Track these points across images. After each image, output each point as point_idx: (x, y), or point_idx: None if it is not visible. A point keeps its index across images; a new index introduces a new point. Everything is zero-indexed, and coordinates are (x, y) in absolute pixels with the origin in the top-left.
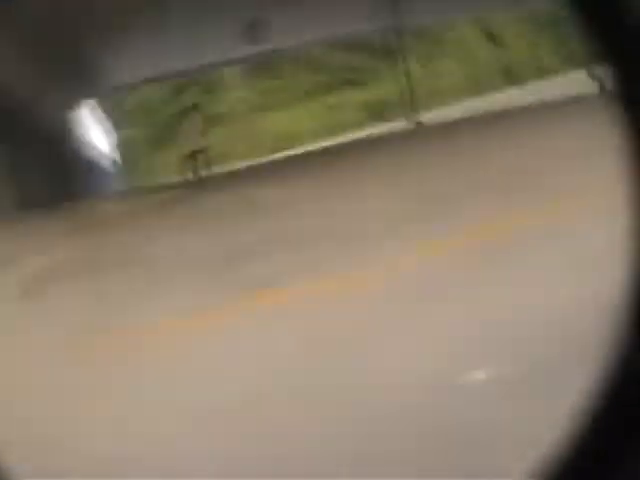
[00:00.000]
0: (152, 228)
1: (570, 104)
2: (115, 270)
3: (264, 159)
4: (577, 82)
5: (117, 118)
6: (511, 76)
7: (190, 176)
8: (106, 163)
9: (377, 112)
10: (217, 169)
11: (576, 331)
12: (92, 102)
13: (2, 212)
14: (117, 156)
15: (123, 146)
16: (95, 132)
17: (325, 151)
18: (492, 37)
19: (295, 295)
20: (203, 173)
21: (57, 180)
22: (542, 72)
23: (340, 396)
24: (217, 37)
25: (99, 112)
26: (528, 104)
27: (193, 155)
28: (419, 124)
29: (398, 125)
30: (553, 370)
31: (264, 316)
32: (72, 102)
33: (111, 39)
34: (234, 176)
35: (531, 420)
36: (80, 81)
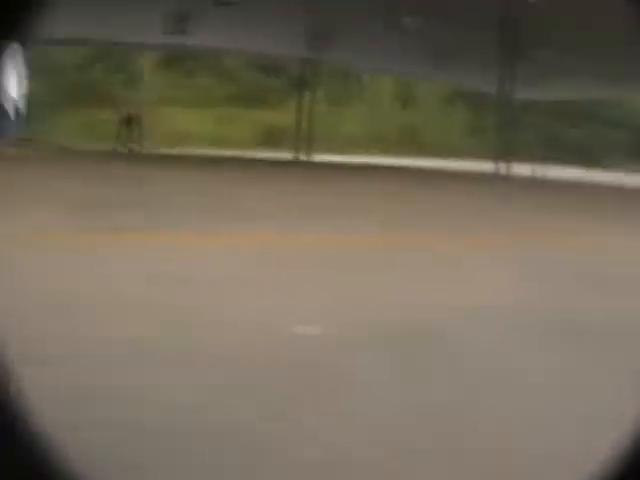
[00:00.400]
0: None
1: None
2: None
3: (151, 149)
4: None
5: (28, 69)
6: (415, 142)
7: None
8: (10, 109)
9: (270, 136)
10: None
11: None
12: (9, 46)
13: None
14: (21, 105)
15: (28, 97)
16: (5, 76)
17: (209, 159)
18: (405, 100)
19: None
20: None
21: None
22: (448, 146)
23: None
24: (140, 19)
25: (13, 58)
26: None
27: (129, 120)
28: (308, 161)
29: (286, 156)
30: None
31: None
32: None
33: None
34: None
35: None
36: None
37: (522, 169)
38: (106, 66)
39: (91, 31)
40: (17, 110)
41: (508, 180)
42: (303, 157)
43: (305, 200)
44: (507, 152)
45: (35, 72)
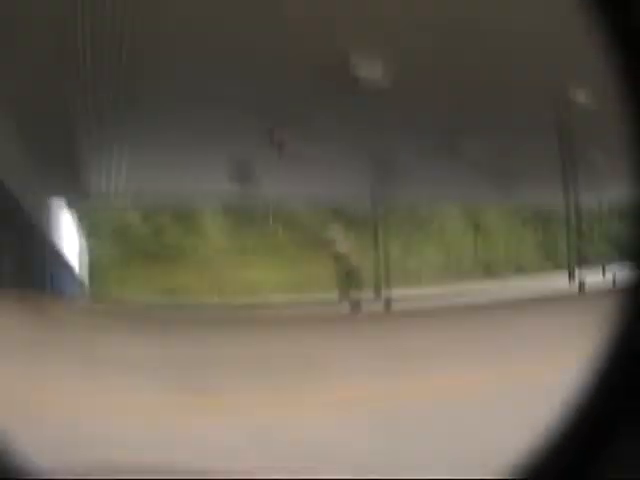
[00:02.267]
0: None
1: (547, 302)
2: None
3: (226, 300)
4: (556, 281)
5: (88, 226)
6: (490, 268)
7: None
8: (71, 265)
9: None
10: (181, 299)
11: None
12: (69, 204)
13: None
14: (82, 261)
15: (89, 253)
16: (66, 234)
17: (289, 305)
18: (477, 227)
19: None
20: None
21: (24, 267)
22: (522, 269)
23: None
24: (202, 168)
25: (74, 215)
26: (504, 299)
27: (349, 274)
28: (387, 300)
29: (366, 296)
30: None
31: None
32: (51, 200)
33: (98, 149)
34: (199, 307)
35: None
36: (63, 182)
37: (597, 277)
38: (172, 216)
39: (155, 181)
40: (78, 266)
41: (586, 293)
42: (380, 294)
43: (396, 343)
44: (580, 263)
45: (99, 227)
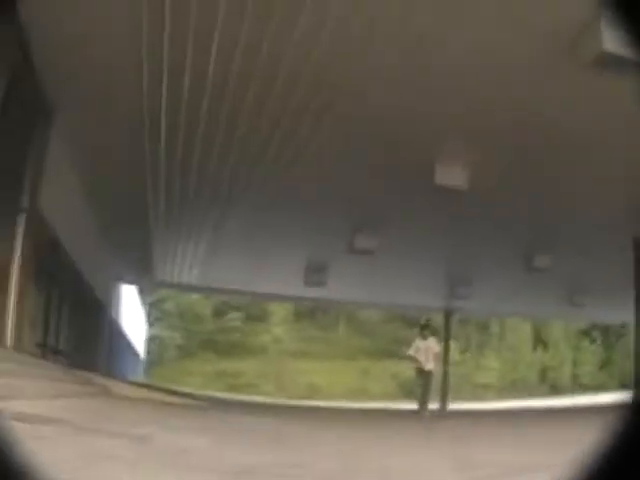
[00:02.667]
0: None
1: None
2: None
3: (289, 402)
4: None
5: (155, 314)
6: (550, 384)
7: None
8: (135, 351)
9: (407, 388)
10: (244, 398)
11: None
12: (141, 291)
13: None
14: (146, 349)
15: (154, 342)
16: (132, 319)
17: (353, 411)
18: (541, 342)
19: None
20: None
21: (91, 349)
22: (582, 387)
23: None
24: (275, 269)
25: (144, 302)
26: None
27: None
28: (448, 410)
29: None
30: None
31: None
32: (123, 285)
33: (175, 239)
34: (258, 406)
35: None
36: (136, 269)
37: None
38: (243, 315)
39: (229, 277)
40: (142, 353)
41: None
42: (446, 406)
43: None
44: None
45: (168, 316)
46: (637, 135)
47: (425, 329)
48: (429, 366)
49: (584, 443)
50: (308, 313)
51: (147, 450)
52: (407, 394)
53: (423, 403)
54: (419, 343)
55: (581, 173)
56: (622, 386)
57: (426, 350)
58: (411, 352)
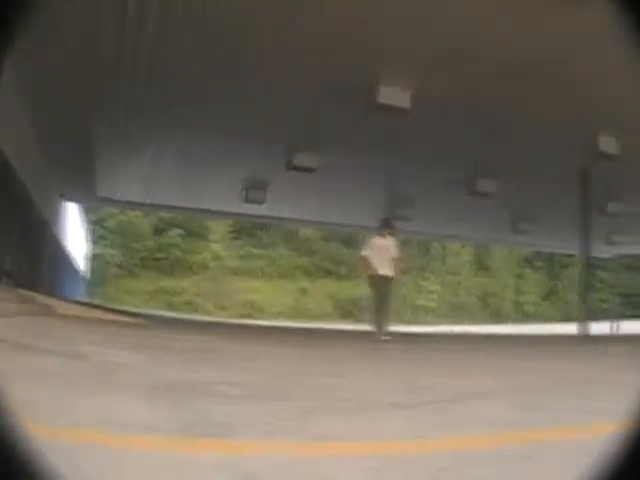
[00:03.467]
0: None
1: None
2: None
3: (228, 320)
4: (562, 329)
5: (98, 232)
6: (491, 311)
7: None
8: (78, 270)
9: (346, 309)
10: (183, 316)
11: None
12: (82, 208)
13: None
14: (89, 268)
15: (96, 260)
16: (76, 238)
17: (292, 330)
18: (482, 267)
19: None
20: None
21: (32, 264)
22: (524, 315)
23: None
24: (215, 186)
25: (86, 220)
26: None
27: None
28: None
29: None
30: None
31: None
32: (64, 201)
33: (116, 157)
34: (197, 324)
35: None
36: (78, 186)
37: (601, 328)
38: (183, 233)
39: (169, 195)
40: (83, 269)
41: (588, 340)
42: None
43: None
44: (585, 311)
45: (110, 235)
46: (591, 66)
47: (385, 227)
48: (384, 271)
49: (528, 372)
50: (248, 231)
51: (83, 367)
52: (344, 314)
53: (379, 321)
54: (376, 241)
55: (532, 100)
56: (564, 317)
57: (381, 250)
58: (364, 252)
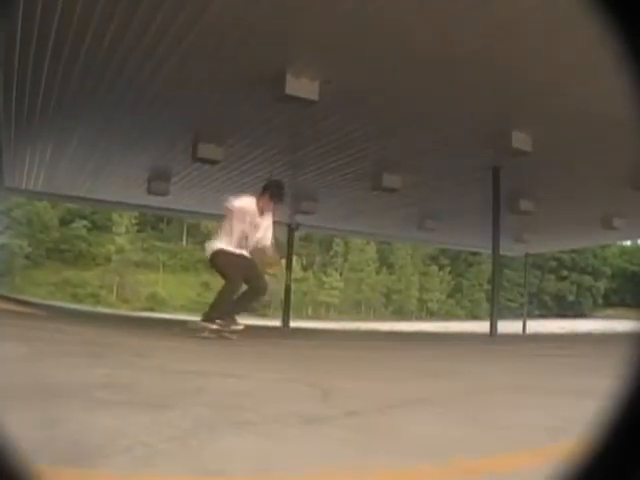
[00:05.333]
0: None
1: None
2: None
3: (131, 312)
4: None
5: (4, 222)
6: (395, 308)
7: None
8: None
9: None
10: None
11: None
12: None
13: None
14: None
15: (3, 251)
16: None
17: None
18: (386, 264)
19: None
20: None
21: None
22: (428, 312)
23: None
24: (119, 177)
25: None
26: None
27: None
28: (290, 327)
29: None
30: None
31: None
32: None
33: (19, 146)
34: (99, 316)
35: None
36: None
37: (509, 326)
38: (89, 225)
39: (74, 186)
40: None
41: (494, 338)
42: (287, 324)
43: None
44: (495, 309)
45: (17, 225)
46: (506, 54)
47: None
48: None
49: (447, 375)
50: (152, 224)
51: None
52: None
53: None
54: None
55: (444, 94)
56: (469, 315)
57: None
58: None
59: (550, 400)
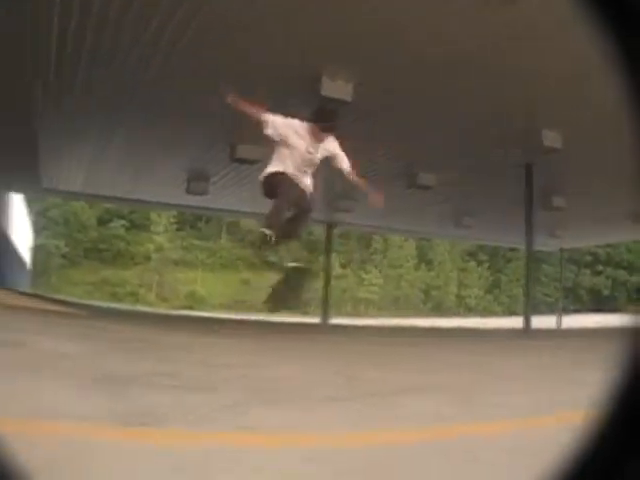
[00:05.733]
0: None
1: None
2: None
3: (170, 311)
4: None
5: (41, 222)
6: (434, 305)
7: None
8: (23, 261)
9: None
10: (126, 307)
11: None
12: (26, 200)
13: None
14: (33, 258)
15: (40, 251)
16: (20, 229)
17: (233, 322)
18: (425, 260)
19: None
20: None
21: None
22: (467, 309)
23: None
24: (158, 177)
25: (30, 211)
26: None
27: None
28: (329, 324)
29: (313, 320)
30: None
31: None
32: (7, 192)
33: (60, 148)
34: (139, 315)
35: None
36: (21, 178)
37: (545, 321)
38: (127, 224)
39: (113, 187)
40: (26, 260)
41: (531, 334)
42: (326, 321)
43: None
44: (529, 305)
45: (54, 225)
46: (536, 61)
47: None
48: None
49: (471, 366)
50: (190, 222)
51: (21, 355)
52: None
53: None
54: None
55: (476, 94)
56: (508, 311)
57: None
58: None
59: (545, 387)
